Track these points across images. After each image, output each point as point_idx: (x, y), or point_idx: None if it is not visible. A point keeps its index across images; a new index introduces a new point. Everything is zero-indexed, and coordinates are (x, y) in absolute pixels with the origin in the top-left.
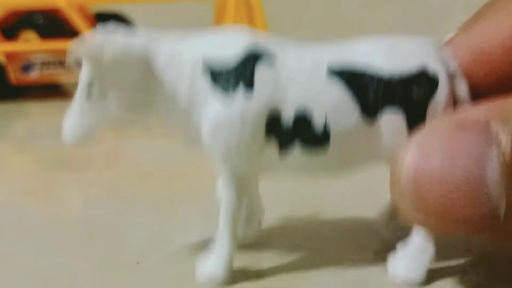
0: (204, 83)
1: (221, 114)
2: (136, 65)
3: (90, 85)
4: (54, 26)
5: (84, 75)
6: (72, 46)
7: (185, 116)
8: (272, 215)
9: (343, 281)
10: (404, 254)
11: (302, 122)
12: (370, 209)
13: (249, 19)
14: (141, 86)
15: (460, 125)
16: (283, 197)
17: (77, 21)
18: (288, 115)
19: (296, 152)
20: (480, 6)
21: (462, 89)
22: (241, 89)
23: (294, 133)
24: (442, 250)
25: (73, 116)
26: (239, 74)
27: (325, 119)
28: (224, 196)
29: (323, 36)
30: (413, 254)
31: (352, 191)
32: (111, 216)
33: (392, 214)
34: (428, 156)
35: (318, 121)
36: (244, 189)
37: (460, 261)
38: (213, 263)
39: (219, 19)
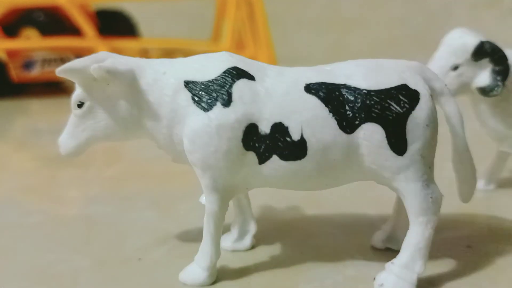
0: (185, 102)
1: (199, 128)
2: (122, 84)
3: (81, 103)
4: (55, 23)
5: (75, 94)
6: (61, 66)
7: (168, 133)
8: (273, 212)
9: (344, 276)
10: (391, 272)
11: (279, 136)
12: (369, 206)
13: (250, 17)
14: (127, 105)
15: None
16: (284, 195)
17: (78, 18)
18: (265, 130)
19: (275, 165)
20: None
21: (451, 106)
22: (218, 106)
23: (271, 146)
24: (443, 246)
25: (67, 130)
26: (217, 93)
27: (302, 133)
28: (206, 206)
29: (324, 34)
30: (400, 272)
31: (352, 188)
32: (112, 213)
33: (390, 234)
34: None
35: (294, 136)
36: (227, 201)
37: (461, 257)
38: (195, 273)
39: (219, 17)
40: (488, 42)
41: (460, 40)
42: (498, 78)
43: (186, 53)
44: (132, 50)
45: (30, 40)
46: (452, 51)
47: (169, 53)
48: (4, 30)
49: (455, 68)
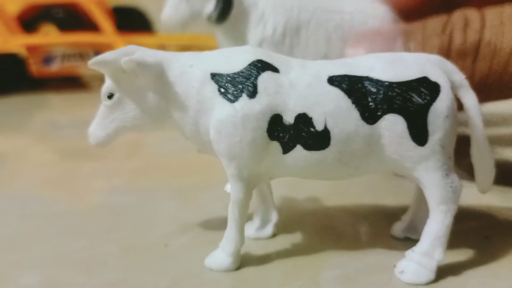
0: (211, 93)
1: (225, 119)
2: (150, 77)
3: (111, 95)
4: (73, 19)
5: (105, 86)
6: (93, 59)
7: (194, 123)
8: (293, 202)
9: (364, 264)
10: (411, 259)
11: (303, 126)
12: (387, 197)
13: None
14: (155, 97)
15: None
16: (303, 186)
17: (96, 15)
18: (289, 121)
19: (299, 155)
20: None
21: (470, 98)
22: (243, 97)
23: (295, 136)
24: (461, 236)
25: (97, 121)
26: (243, 84)
27: (325, 124)
28: (232, 195)
29: None
30: (420, 260)
31: (370, 180)
32: (136, 203)
33: (409, 224)
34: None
35: (318, 126)
36: (252, 189)
37: (479, 246)
38: (220, 258)
39: None
40: None
41: None
42: (219, 5)
43: (203, 49)
44: (149, 46)
45: (50, 36)
46: None
47: (186, 49)
48: (23, 26)
49: None
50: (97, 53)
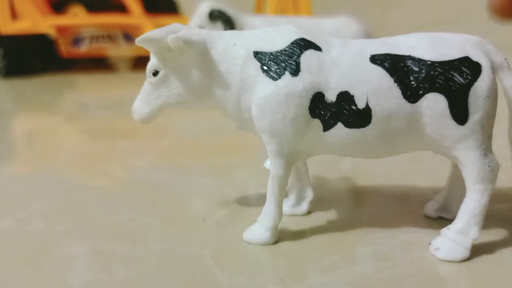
0: (254, 71)
1: (268, 96)
2: (195, 54)
3: (156, 72)
4: (101, 1)
5: (151, 63)
6: (140, 36)
7: (236, 101)
8: (326, 182)
9: (399, 241)
10: (446, 237)
11: (345, 104)
12: (419, 178)
13: None
14: (199, 74)
15: None
16: (335, 166)
17: None
18: (331, 98)
19: (339, 132)
20: None
21: (509, 80)
22: (286, 75)
23: (336, 114)
24: (496, 217)
25: (141, 98)
26: (285, 63)
27: (367, 102)
28: (271, 170)
29: (364, 11)
30: (455, 237)
31: (402, 161)
32: (172, 179)
33: (443, 203)
34: None
35: (360, 104)
36: (291, 166)
37: (507, 231)
38: (258, 232)
39: None
40: (217, 10)
41: (201, 8)
42: None
43: None
44: None
45: (79, 17)
46: (198, 16)
47: None
48: (52, 7)
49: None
50: (125, 34)
